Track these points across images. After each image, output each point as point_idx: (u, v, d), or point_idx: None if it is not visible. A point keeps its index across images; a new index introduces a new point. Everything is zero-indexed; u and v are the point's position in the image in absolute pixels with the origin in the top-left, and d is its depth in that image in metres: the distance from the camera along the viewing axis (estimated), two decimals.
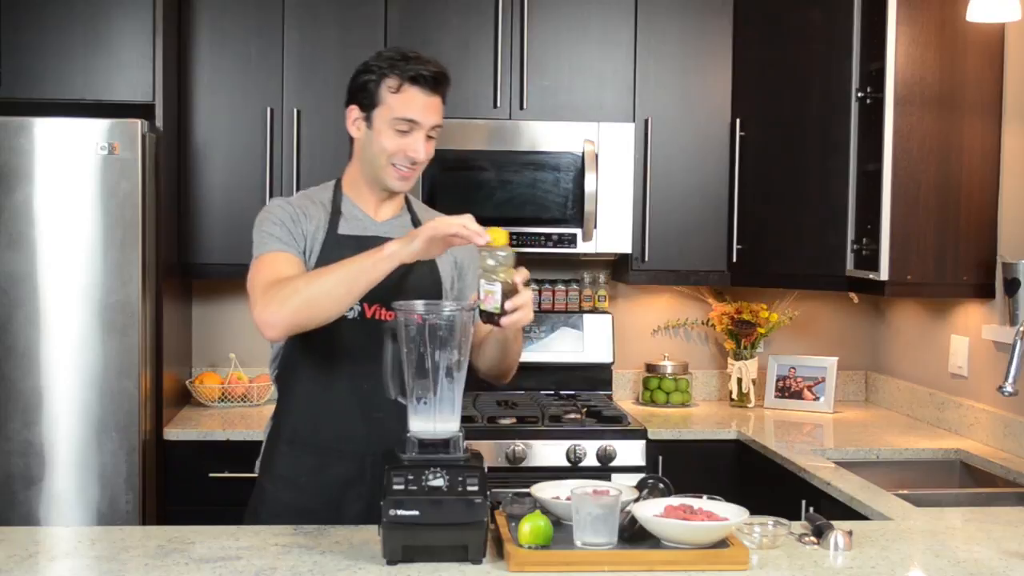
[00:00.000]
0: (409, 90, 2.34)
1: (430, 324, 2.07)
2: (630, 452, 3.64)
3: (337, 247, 2.35)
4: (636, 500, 2.16)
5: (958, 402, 3.62)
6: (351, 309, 2.37)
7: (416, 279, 2.41)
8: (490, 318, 2.13)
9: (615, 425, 3.69)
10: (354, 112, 2.39)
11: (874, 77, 3.50)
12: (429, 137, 2.39)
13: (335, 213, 2.42)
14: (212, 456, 3.52)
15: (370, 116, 2.37)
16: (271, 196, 3.80)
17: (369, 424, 2.39)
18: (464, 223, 2.10)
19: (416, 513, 1.97)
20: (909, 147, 3.42)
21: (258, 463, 2.51)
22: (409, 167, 2.38)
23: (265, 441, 2.50)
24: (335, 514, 2.36)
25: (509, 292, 2.12)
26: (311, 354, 2.41)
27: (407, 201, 2.53)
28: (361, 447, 2.39)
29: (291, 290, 2.19)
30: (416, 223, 2.48)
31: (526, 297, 2.15)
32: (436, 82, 2.36)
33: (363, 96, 2.37)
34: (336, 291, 2.16)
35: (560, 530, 2.09)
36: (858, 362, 4.38)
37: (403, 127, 2.34)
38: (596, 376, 4.23)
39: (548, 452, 3.62)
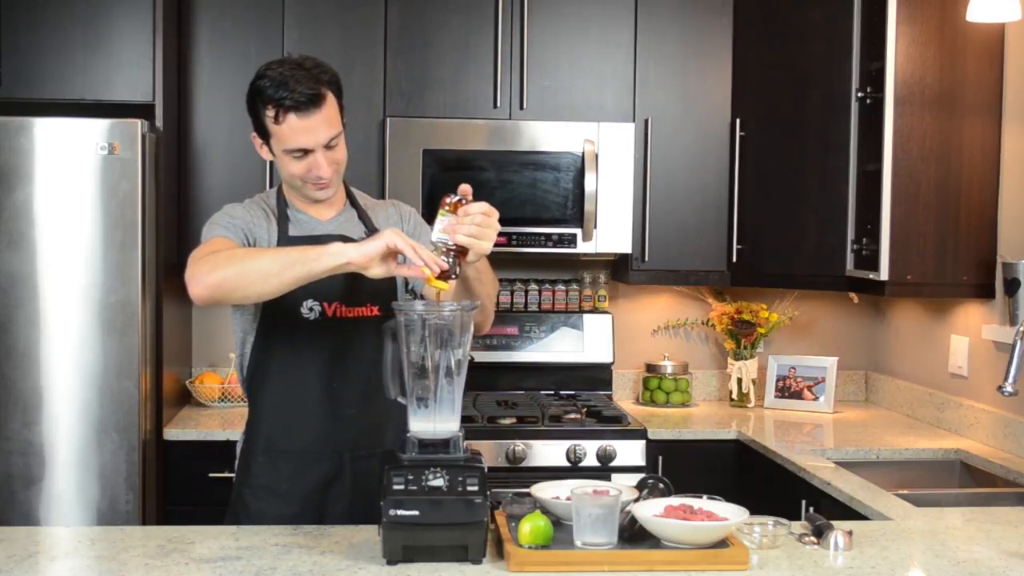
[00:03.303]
0: (288, 118, 2.28)
1: (430, 324, 2.07)
2: (630, 452, 3.64)
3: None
4: (636, 500, 2.16)
5: (958, 402, 3.62)
6: (310, 310, 2.37)
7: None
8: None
9: (615, 425, 3.69)
10: (256, 139, 2.39)
11: (874, 77, 3.50)
12: (331, 147, 2.33)
13: (282, 219, 2.43)
14: (212, 456, 3.52)
15: (268, 144, 2.36)
16: None
17: (342, 423, 2.40)
18: (420, 255, 2.05)
19: (416, 513, 1.97)
20: (909, 147, 3.42)
21: (235, 474, 2.50)
22: (323, 180, 2.36)
23: (240, 451, 2.50)
24: (317, 517, 2.37)
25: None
26: (278, 359, 2.41)
27: (348, 194, 2.52)
28: (337, 446, 2.40)
29: (226, 257, 2.15)
30: (363, 217, 2.48)
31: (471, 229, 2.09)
32: (312, 102, 2.27)
33: (256, 125, 2.35)
34: (269, 270, 2.09)
35: (560, 530, 2.09)
36: (858, 362, 4.38)
37: (297, 155, 2.32)
38: (596, 376, 4.23)
39: (548, 452, 3.62)
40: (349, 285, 2.35)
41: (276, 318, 2.38)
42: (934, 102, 3.43)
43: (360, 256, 2.05)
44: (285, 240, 2.39)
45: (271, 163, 3.79)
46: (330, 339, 2.39)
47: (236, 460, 2.51)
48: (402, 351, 2.10)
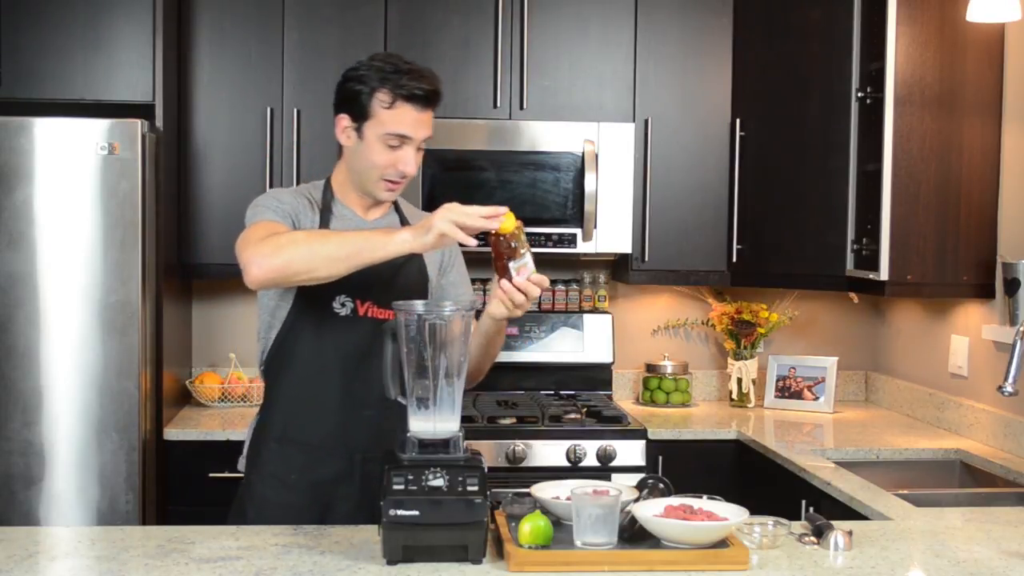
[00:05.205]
0: (403, 106, 2.33)
1: (430, 324, 2.07)
2: (630, 452, 3.64)
3: None
4: (636, 500, 2.16)
5: (958, 402, 3.62)
6: (343, 306, 2.38)
7: (405, 278, 2.43)
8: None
9: (615, 425, 3.69)
10: (344, 121, 2.39)
11: (874, 77, 3.50)
12: (420, 149, 2.39)
13: (325, 211, 2.43)
14: (212, 456, 3.52)
15: (361, 128, 2.36)
16: None
17: (359, 423, 2.40)
18: (481, 216, 2.10)
19: (416, 513, 1.97)
20: (909, 147, 3.43)
21: (242, 459, 2.51)
22: (399, 180, 2.39)
23: (251, 436, 2.50)
24: (323, 513, 2.37)
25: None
26: (302, 350, 2.41)
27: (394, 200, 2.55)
28: (351, 445, 2.40)
29: (289, 239, 2.18)
30: (404, 222, 2.50)
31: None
32: (427, 100, 2.35)
33: (354, 106, 2.37)
34: (336, 255, 2.14)
35: (560, 530, 2.09)
36: (858, 362, 4.38)
37: (394, 142, 2.34)
38: (596, 376, 4.23)
39: (548, 452, 3.62)
40: (384, 285, 2.35)
41: (306, 309, 2.40)
42: (934, 102, 3.43)
43: (421, 249, 2.14)
44: None
45: (271, 164, 3.81)
46: (357, 337, 2.39)
47: (246, 444, 2.51)
48: (402, 351, 2.10)
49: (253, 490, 2.44)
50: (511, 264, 2.18)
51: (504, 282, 2.20)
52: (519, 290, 2.19)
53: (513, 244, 2.17)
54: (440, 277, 2.53)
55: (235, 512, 2.45)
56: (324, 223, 2.41)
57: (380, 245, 2.13)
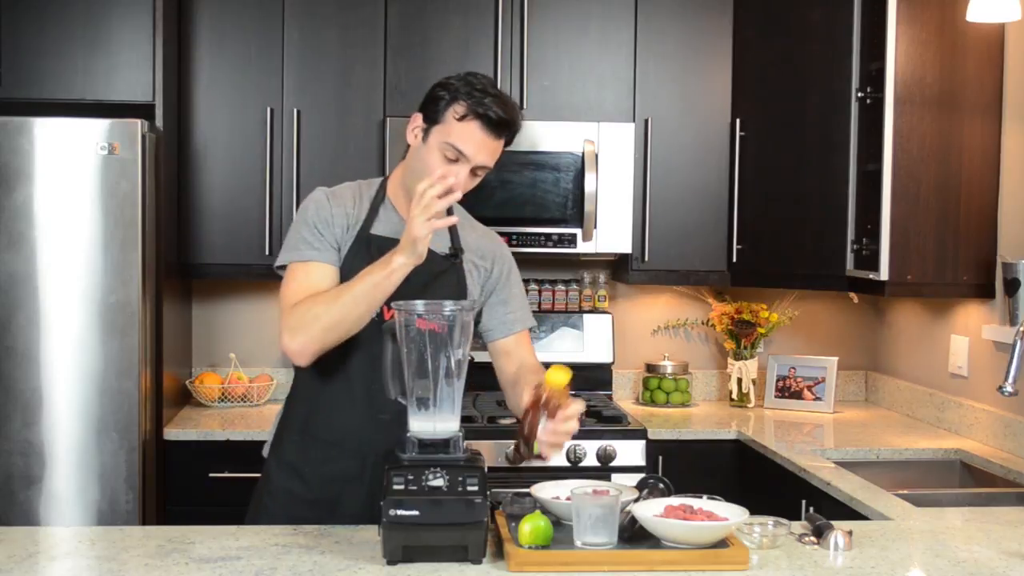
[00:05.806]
0: (471, 123, 2.32)
1: (430, 324, 2.07)
2: (630, 452, 3.64)
3: (366, 245, 2.37)
4: (636, 500, 2.16)
5: (958, 402, 3.62)
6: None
7: (441, 288, 2.41)
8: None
9: (615, 425, 3.69)
10: (417, 120, 2.39)
11: (874, 77, 3.50)
12: (475, 174, 2.37)
13: (372, 212, 2.43)
14: (212, 456, 3.52)
15: (428, 130, 2.36)
16: (271, 196, 3.81)
17: (374, 424, 2.40)
18: (436, 195, 2.14)
19: (416, 513, 1.97)
20: (909, 147, 3.43)
21: (267, 446, 2.54)
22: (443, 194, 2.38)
23: (277, 424, 2.54)
24: (333, 508, 2.39)
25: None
26: (331, 349, 2.41)
27: None
28: (364, 446, 2.40)
29: (312, 317, 2.24)
30: (451, 228, 2.48)
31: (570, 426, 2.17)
32: (498, 126, 2.33)
33: (430, 109, 2.36)
34: (356, 310, 2.23)
35: (560, 530, 2.09)
36: (858, 362, 4.38)
37: (451, 155, 2.33)
38: (596, 376, 4.23)
39: None
40: (417, 293, 2.33)
41: None
42: (934, 102, 3.43)
43: (419, 260, 2.20)
44: (365, 235, 2.40)
45: (271, 164, 3.81)
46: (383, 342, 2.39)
47: (271, 433, 2.53)
48: (402, 351, 2.10)
49: (271, 478, 2.47)
50: (542, 420, 2.16)
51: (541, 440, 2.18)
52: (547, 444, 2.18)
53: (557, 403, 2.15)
54: (488, 295, 2.52)
55: (255, 500, 2.49)
56: (367, 223, 2.41)
57: (384, 278, 2.19)
